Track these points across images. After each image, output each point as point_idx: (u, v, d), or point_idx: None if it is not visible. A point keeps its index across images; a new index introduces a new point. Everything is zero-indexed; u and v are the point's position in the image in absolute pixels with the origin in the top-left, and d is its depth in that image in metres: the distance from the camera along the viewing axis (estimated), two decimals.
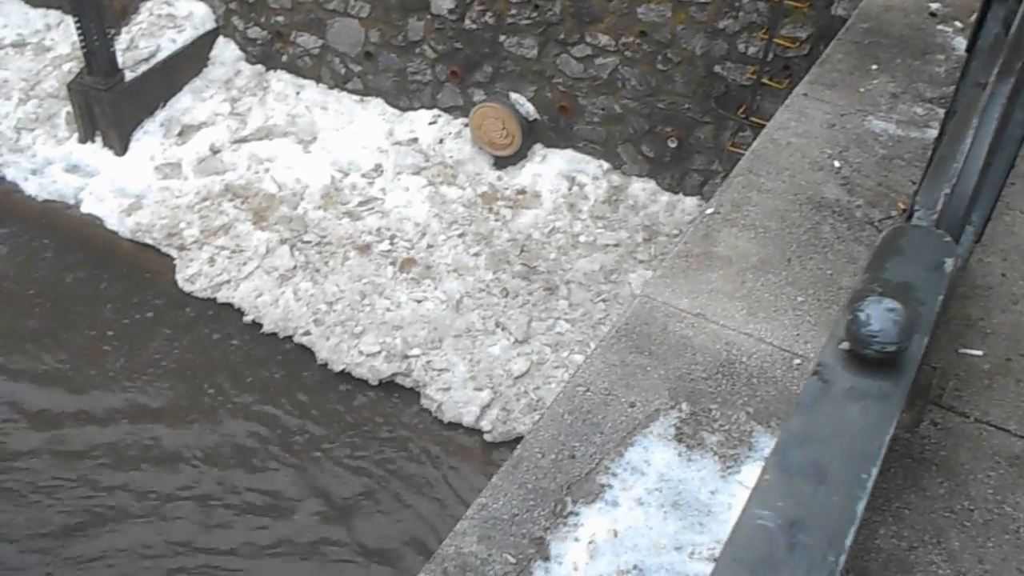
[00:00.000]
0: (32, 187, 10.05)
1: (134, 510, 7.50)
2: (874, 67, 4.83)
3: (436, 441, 8.15)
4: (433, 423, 8.30)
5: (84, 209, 9.82)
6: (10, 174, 10.16)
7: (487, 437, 8.12)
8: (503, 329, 8.64)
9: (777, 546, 1.28)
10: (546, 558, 2.99)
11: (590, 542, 3.05)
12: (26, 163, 10.17)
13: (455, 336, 8.63)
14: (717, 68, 8.30)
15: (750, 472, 3.19)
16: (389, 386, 8.50)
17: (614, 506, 3.14)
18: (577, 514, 3.11)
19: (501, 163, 9.63)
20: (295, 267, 9.18)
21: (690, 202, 9.09)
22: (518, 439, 8.07)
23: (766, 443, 3.29)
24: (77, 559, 7.13)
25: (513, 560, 2.97)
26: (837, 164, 4.21)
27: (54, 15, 11.36)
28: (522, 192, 9.51)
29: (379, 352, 8.54)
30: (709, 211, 4.09)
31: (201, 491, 7.66)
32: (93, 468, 7.74)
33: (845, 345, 1.66)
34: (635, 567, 2.97)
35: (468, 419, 8.17)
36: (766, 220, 4.03)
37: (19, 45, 11.21)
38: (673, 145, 8.82)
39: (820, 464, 1.36)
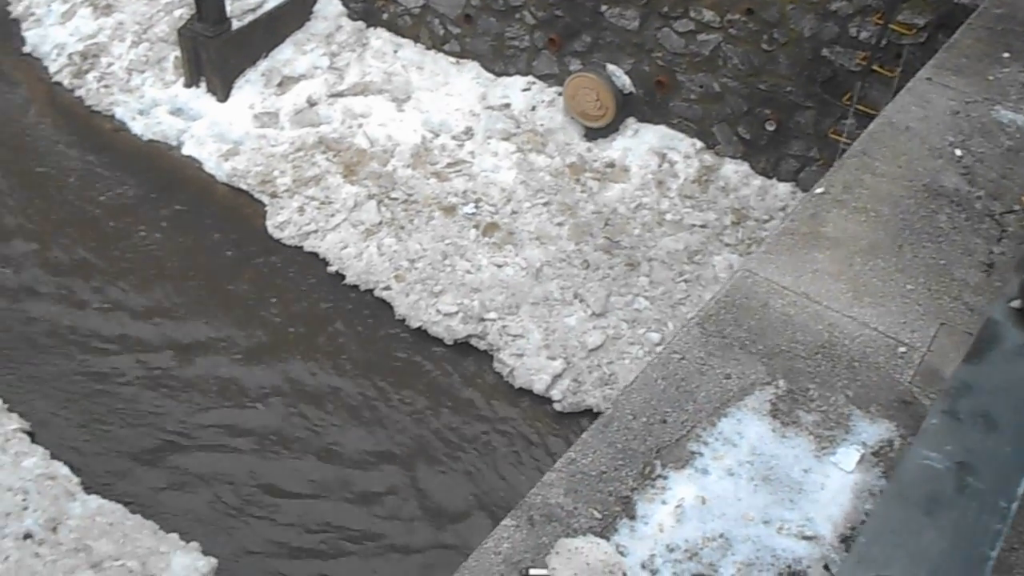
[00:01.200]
0: (138, 126, 10.35)
1: (207, 441, 7.73)
2: (1006, 55, 4.66)
3: (505, 405, 8.20)
4: (503, 387, 8.35)
5: (185, 151, 10.09)
6: (119, 112, 10.48)
7: (556, 406, 8.14)
8: (581, 301, 8.63)
9: (946, 486, 1.27)
10: (632, 517, 3.01)
11: (677, 506, 3.06)
12: (134, 103, 10.47)
13: (532, 303, 8.65)
14: (825, 52, 8.10)
15: (845, 455, 3.15)
16: (463, 347, 8.57)
17: (704, 474, 3.14)
18: (666, 478, 3.12)
19: (592, 135, 9.58)
20: (381, 223, 9.29)
21: (783, 188, 8.93)
22: (587, 411, 8.17)
23: (864, 428, 3.25)
24: (156, 482, 7.40)
25: (599, 515, 3.00)
26: (959, 153, 4.09)
27: None
28: (611, 165, 9.45)
29: (456, 313, 8.62)
30: (819, 190, 4.02)
31: (270, 429, 7.85)
32: (178, 399, 7.99)
33: (1016, 303, 1.63)
34: (721, 535, 2.97)
35: (539, 386, 8.20)
36: (878, 204, 3.94)
37: None
38: (771, 128, 8.65)
39: (990, 414, 1.34)
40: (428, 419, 8.06)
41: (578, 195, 9.27)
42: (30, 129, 10.57)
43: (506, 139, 9.74)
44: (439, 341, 8.59)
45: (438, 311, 8.64)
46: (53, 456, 7.33)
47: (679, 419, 3.28)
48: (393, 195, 9.49)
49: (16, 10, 11.94)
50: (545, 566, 2.75)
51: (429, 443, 7.88)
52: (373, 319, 8.77)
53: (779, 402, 3.34)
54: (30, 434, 7.54)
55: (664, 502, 3.07)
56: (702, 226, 8.89)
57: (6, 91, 11.02)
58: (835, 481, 3.08)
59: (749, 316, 3.60)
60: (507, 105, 9.94)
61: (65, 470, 7.22)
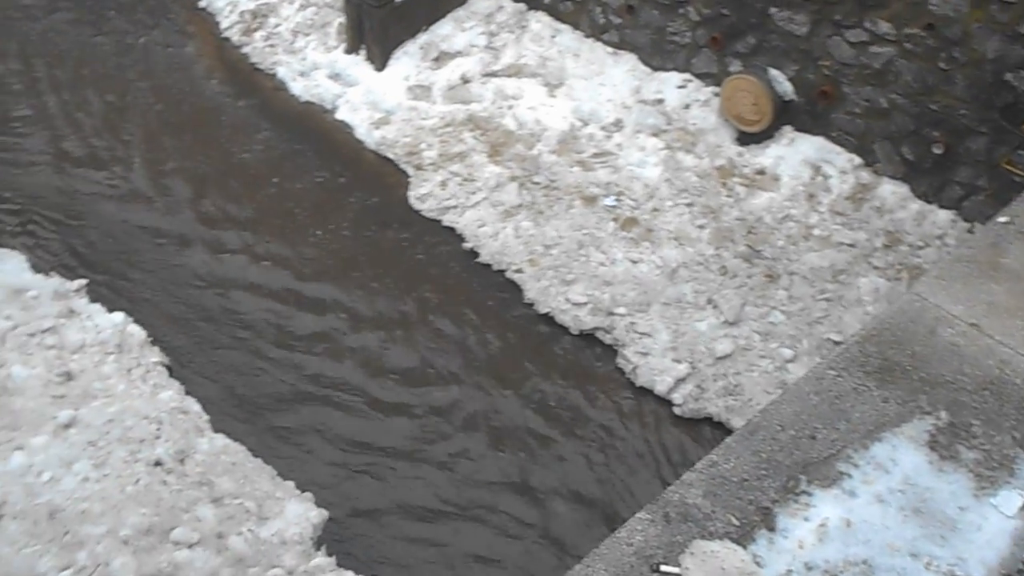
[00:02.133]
0: (298, 87, 10.70)
1: (334, 398, 7.94)
2: None
3: (624, 401, 8.12)
4: (624, 384, 8.26)
5: (338, 116, 10.36)
6: (280, 72, 10.85)
7: (676, 410, 8.01)
8: (714, 307, 8.45)
9: None
10: (771, 529, 2.92)
11: (821, 525, 2.95)
12: (296, 64, 10.81)
13: (664, 303, 8.52)
14: (1008, 76, 7.64)
15: (1007, 498, 2.97)
16: (588, 338, 8.52)
17: (851, 496, 3.01)
18: (810, 495, 3.01)
19: (745, 139, 9.34)
20: (520, 205, 9.31)
21: (943, 216, 8.49)
22: (706, 419, 8.01)
23: None
24: (278, 429, 7.66)
25: (736, 522, 2.92)
26: None
27: None
28: (761, 172, 9.20)
29: (586, 303, 8.57)
30: (1002, 220, 3.79)
31: (387, 399, 7.99)
32: (307, 352, 8.24)
33: None
34: (864, 562, 2.84)
35: (660, 388, 8.07)
36: None
37: None
38: (938, 151, 8.23)
39: None
40: (545, 405, 8.05)
41: (723, 199, 9.06)
42: (198, 80, 11.06)
43: (655, 135, 9.61)
44: (565, 329, 8.56)
45: (567, 300, 8.61)
46: (187, 392, 7.66)
47: (829, 437, 3.15)
48: (535, 179, 9.50)
49: None
50: (678, 564, 2.69)
51: (541, 428, 7.88)
52: (501, 300, 8.82)
53: (939, 434, 3.17)
54: (168, 368, 7.90)
55: (807, 519, 2.96)
56: (850, 245, 8.56)
57: (180, 42, 11.56)
58: (993, 524, 2.91)
59: (914, 342, 3.42)
60: (660, 101, 9.79)
61: (197, 407, 7.53)
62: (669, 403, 8.05)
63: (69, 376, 7.23)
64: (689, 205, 9.09)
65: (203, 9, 11.88)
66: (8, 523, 6.16)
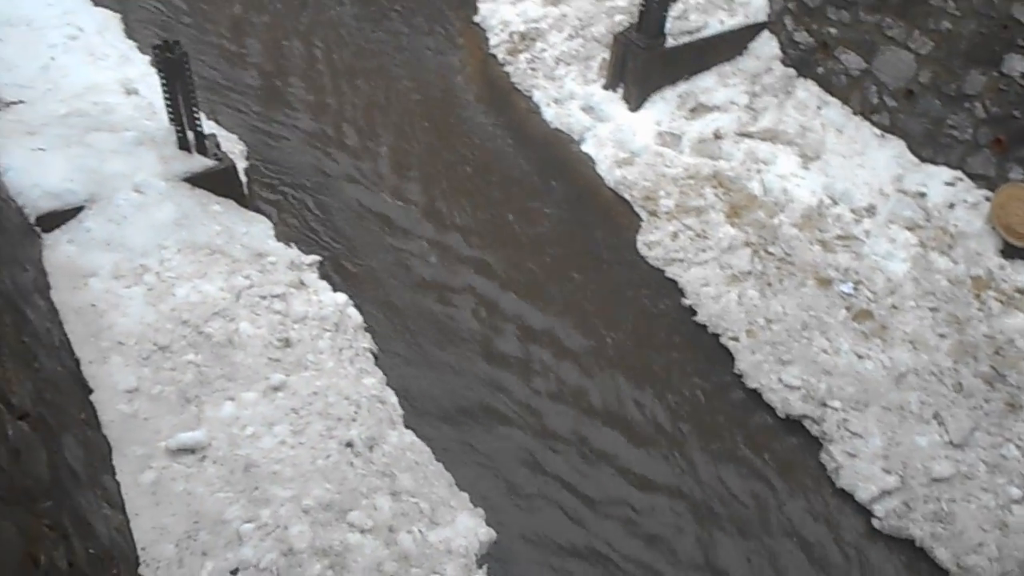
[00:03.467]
0: (550, 113, 10.86)
1: (520, 419, 7.91)
2: None
3: (818, 499, 7.61)
4: (823, 481, 7.77)
5: (584, 147, 10.43)
6: (536, 96, 11.06)
7: (875, 523, 7.43)
8: (940, 423, 7.78)
9: None
10: None
11: None
12: (553, 91, 10.99)
13: (883, 407, 7.93)
14: None
15: None
16: (793, 425, 8.08)
17: None
18: None
19: (1011, 252, 8.58)
20: (749, 272, 8.98)
21: None
22: (908, 541, 7.34)
23: None
24: (466, 440, 7.70)
25: None
26: None
27: None
28: (1022, 291, 8.41)
29: (799, 388, 8.12)
30: None
31: (579, 435, 7.87)
32: (507, 372, 8.26)
33: None
34: None
35: (862, 495, 7.51)
36: None
37: None
38: None
39: None
40: (734, 480, 7.68)
41: (973, 311, 8.35)
42: (457, 89, 11.46)
43: (910, 229, 9.01)
44: (770, 410, 8.16)
45: (780, 380, 8.20)
46: (387, 383, 7.84)
47: None
48: (771, 249, 9.13)
49: None
50: None
51: (729, 503, 7.51)
52: (710, 363, 8.52)
53: None
54: (375, 356, 8.12)
55: None
56: None
57: (450, 52, 12.04)
58: None
59: None
60: (922, 194, 9.18)
61: (394, 399, 7.69)
62: (869, 513, 7.48)
63: (287, 343, 7.56)
64: (933, 310, 8.44)
65: (477, 24, 12.32)
66: (208, 465, 6.48)
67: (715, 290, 8.89)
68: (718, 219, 9.44)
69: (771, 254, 9.10)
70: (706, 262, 9.12)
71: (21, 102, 9.56)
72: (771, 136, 10.09)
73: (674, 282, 9.12)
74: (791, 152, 9.92)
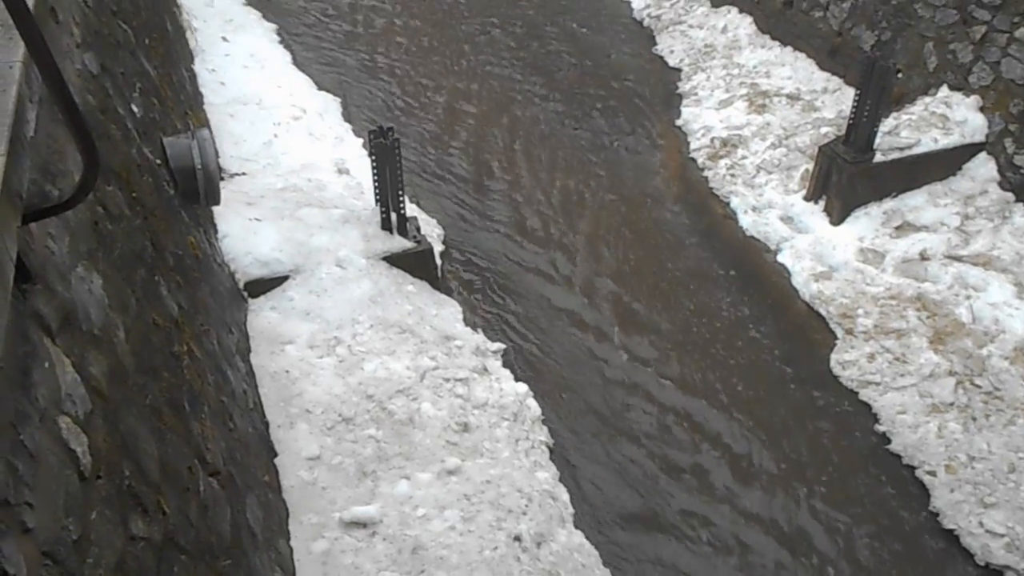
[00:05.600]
0: (746, 220, 10.71)
1: (688, 533, 7.60)
2: None
3: None
4: None
5: (780, 258, 10.18)
6: (734, 202, 10.95)
7: None
8: None
9: None
10: None
11: None
12: (751, 199, 10.85)
13: None
14: None
15: None
16: (991, 573, 7.35)
17: None
18: None
19: None
20: (952, 404, 8.38)
21: None
22: None
23: None
24: (632, 548, 7.47)
25: None
26: None
27: (835, 82, 11.91)
28: None
29: (1003, 536, 7.42)
30: None
31: (765, 558, 7.47)
32: (678, 482, 8.01)
33: None
34: None
35: None
36: None
37: (793, 97, 11.97)
38: None
39: None
40: None
41: None
42: (655, 190, 11.51)
43: None
44: (968, 555, 7.49)
45: (981, 524, 7.52)
46: (560, 479, 7.76)
47: None
48: (977, 381, 8.50)
49: (684, 87, 13.17)
50: None
51: None
52: (901, 498, 7.94)
53: None
54: (550, 450, 8.08)
55: None
56: None
57: (649, 152, 12.16)
58: None
59: None
60: None
61: (565, 496, 7.59)
62: None
63: (466, 428, 7.65)
64: None
65: (679, 127, 12.41)
66: (378, 542, 6.57)
67: (913, 419, 8.34)
68: (920, 344, 8.90)
69: (978, 386, 8.47)
70: (904, 388, 8.59)
71: (244, 174, 10.36)
72: (984, 261, 9.49)
73: (868, 406, 8.64)
74: (1005, 280, 9.28)
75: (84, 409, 3.07)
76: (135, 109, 6.68)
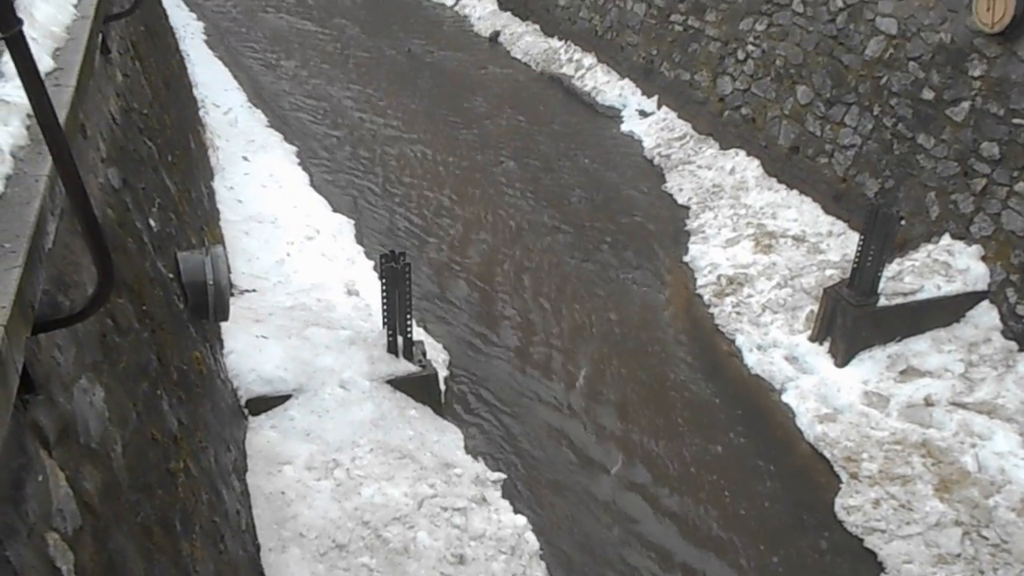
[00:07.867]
0: (751, 359, 10.71)
1: None
2: None
3: None
4: None
5: (784, 398, 10.13)
6: (739, 340, 10.98)
7: None
8: None
9: None
10: None
11: None
12: (757, 337, 10.88)
13: None
14: None
15: None
16: None
17: None
18: None
19: None
20: (959, 555, 8.17)
21: None
22: None
23: None
24: None
25: None
26: None
27: (840, 226, 12.14)
28: None
29: None
30: None
31: None
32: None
33: None
34: None
35: None
36: None
37: (799, 239, 12.19)
38: None
39: None
40: None
41: None
42: (660, 325, 11.58)
43: None
44: None
45: None
46: None
47: None
48: (984, 533, 8.32)
49: (691, 225, 13.43)
50: None
51: None
52: None
53: None
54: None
55: None
56: None
57: (656, 287, 12.30)
58: None
59: None
60: None
61: None
62: None
63: (462, 560, 7.48)
64: None
65: (686, 263, 12.59)
66: None
67: (920, 569, 8.11)
68: (926, 491, 8.75)
69: (985, 538, 8.27)
70: (910, 536, 8.40)
71: (254, 291, 10.50)
72: (988, 410, 9.43)
73: (873, 554, 8.42)
74: (1010, 429, 9.20)
75: (74, 525, 3.04)
76: (152, 223, 6.85)
